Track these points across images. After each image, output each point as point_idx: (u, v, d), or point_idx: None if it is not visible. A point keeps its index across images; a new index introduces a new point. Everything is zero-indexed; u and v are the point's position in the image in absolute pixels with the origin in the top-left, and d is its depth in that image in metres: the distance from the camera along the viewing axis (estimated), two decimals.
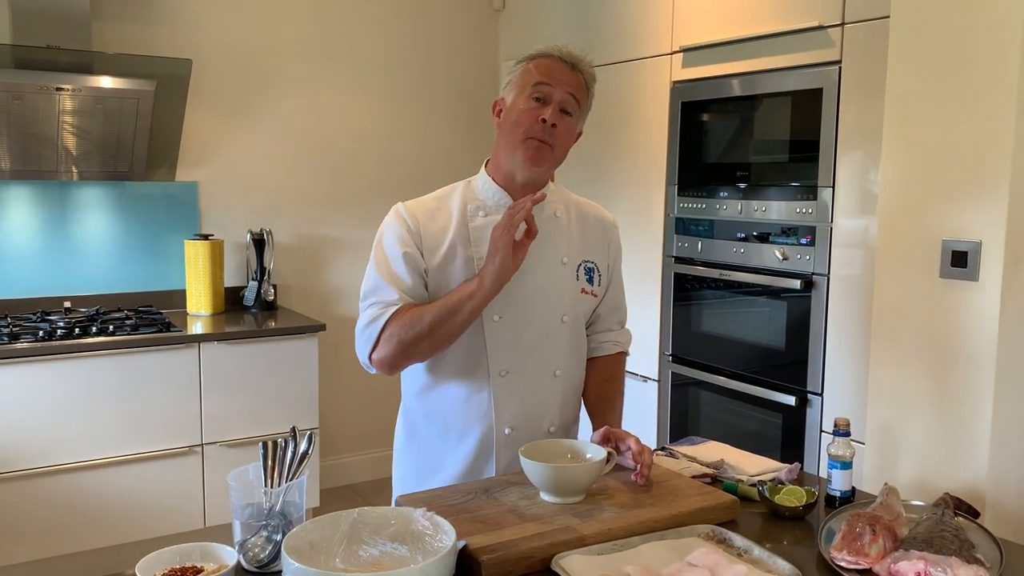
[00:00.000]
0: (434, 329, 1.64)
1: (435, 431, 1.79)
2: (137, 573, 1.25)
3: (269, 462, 1.39)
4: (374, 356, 1.69)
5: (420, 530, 1.29)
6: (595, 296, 1.83)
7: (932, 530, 1.39)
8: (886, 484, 1.62)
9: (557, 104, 1.67)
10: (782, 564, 1.32)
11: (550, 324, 1.77)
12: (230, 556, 1.33)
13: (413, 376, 1.81)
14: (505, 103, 1.73)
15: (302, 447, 1.39)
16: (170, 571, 1.31)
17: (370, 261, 1.76)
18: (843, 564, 1.33)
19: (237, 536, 1.34)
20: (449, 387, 1.77)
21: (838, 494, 1.62)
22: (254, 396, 3.35)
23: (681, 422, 3.04)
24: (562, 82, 1.68)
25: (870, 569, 1.33)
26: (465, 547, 1.32)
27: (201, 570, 1.31)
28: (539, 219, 1.71)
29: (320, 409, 3.53)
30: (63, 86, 3.11)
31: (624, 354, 1.92)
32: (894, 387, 2.13)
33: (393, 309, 1.67)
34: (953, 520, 1.45)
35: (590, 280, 1.81)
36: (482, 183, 1.77)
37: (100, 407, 3.07)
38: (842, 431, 1.62)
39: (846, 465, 1.62)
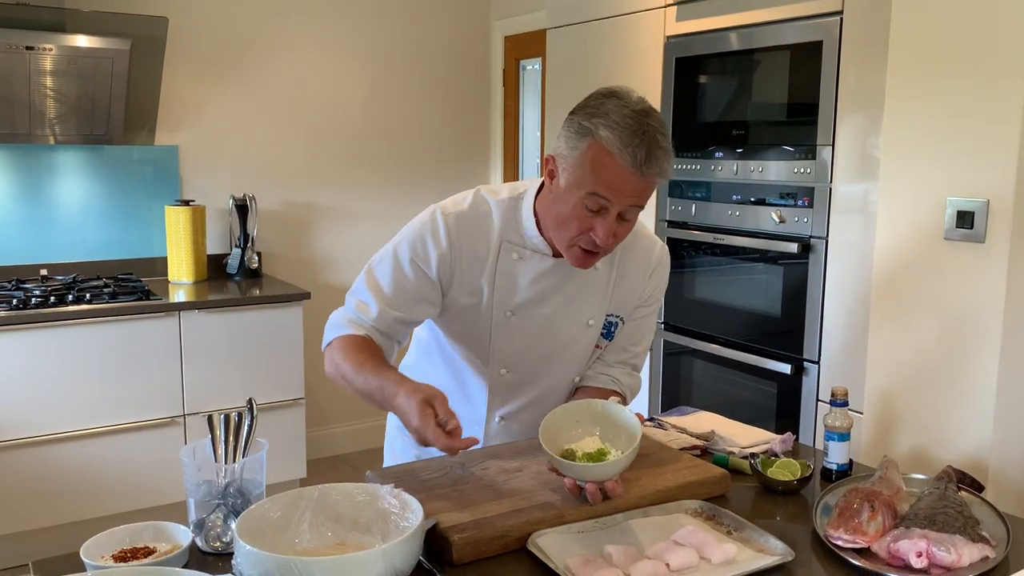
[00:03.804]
0: (356, 392, 1.51)
1: None
2: (82, 556, 1.17)
3: (221, 434, 1.30)
4: (324, 354, 1.59)
5: (387, 508, 1.21)
6: (600, 348, 1.67)
7: (934, 506, 1.31)
8: (885, 457, 1.53)
9: (615, 218, 1.40)
10: (774, 543, 1.24)
11: (558, 384, 1.66)
12: (184, 536, 1.25)
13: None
14: (556, 170, 1.43)
15: (247, 419, 1.30)
16: (119, 552, 1.22)
17: (391, 244, 1.56)
18: (839, 543, 1.25)
19: (192, 516, 1.26)
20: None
21: (835, 467, 1.54)
22: (237, 366, 3.27)
23: (673, 391, 2.95)
24: (625, 194, 1.37)
25: (868, 548, 1.24)
26: (435, 526, 1.23)
27: (153, 551, 1.23)
28: (575, 273, 1.54)
29: (306, 379, 3.45)
30: (34, 45, 2.99)
31: (622, 396, 1.66)
32: (894, 355, 2.03)
33: (355, 333, 1.53)
34: (956, 495, 1.37)
35: (607, 335, 1.65)
36: (527, 219, 1.53)
37: (78, 377, 2.99)
38: (839, 401, 1.54)
39: (843, 437, 1.53)
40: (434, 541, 1.24)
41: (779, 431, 1.75)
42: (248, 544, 1.06)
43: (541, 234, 1.52)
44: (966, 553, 1.20)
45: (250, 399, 1.34)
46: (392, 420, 1.78)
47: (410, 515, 1.18)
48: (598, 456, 1.34)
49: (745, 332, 2.67)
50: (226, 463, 1.29)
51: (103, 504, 3.05)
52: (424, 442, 1.31)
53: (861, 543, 1.24)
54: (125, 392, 3.07)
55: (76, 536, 1.23)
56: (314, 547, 1.18)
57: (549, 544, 1.24)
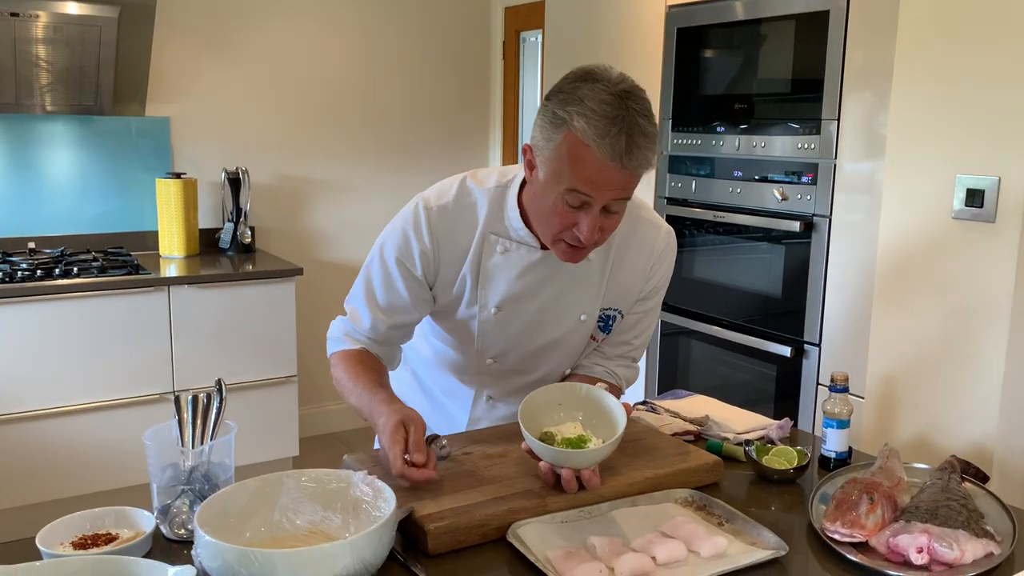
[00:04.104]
0: (352, 407, 1.46)
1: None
2: (38, 543, 1.11)
3: (188, 416, 1.23)
4: (329, 361, 1.54)
5: (359, 496, 1.14)
6: (596, 341, 1.57)
7: (937, 498, 1.24)
8: (886, 445, 1.47)
9: (597, 212, 1.29)
10: (767, 536, 1.18)
11: (548, 376, 1.59)
12: (147, 522, 1.19)
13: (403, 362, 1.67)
14: (534, 162, 1.32)
15: (215, 400, 1.24)
16: (80, 539, 1.17)
17: (374, 250, 1.49)
18: (836, 536, 1.18)
19: (156, 502, 1.20)
20: (434, 388, 1.67)
21: (833, 455, 1.47)
22: (228, 342, 3.21)
23: (670, 373, 2.89)
24: (606, 188, 1.26)
25: (866, 542, 1.18)
26: (411, 514, 1.17)
27: (115, 537, 1.17)
28: (566, 264, 1.43)
29: (299, 356, 3.39)
30: (20, 11, 2.91)
31: (617, 388, 1.58)
32: (898, 338, 1.96)
33: (353, 348, 1.49)
34: (960, 486, 1.30)
35: (603, 328, 1.54)
36: (511, 210, 1.43)
37: (65, 353, 2.93)
38: (839, 386, 1.47)
39: (843, 424, 1.46)
40: (410, 530, 1.18)
41: (778, 415, 1.69)
42: (208, 534, 1.00)
43: (528, 226, 1.43)
44: (969, 549, 1.13)
45: (219, 380, 1.28)
46: None
47: (383, 504, 1.12)
48: (578, 443, 1.28)
49: (745, 313, 2.60)
50: (193, 446, 1.23)
51: (90, 482, 3.01)
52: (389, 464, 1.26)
53: (859, 537, 1.18)
54: (113, 368, 3.02)
55: (60, 514, 1.18)
56: (283, 535, 1.12)
57: (530, 535, 1.18)
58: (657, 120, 2.70)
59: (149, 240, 3.54)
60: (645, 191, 2.91)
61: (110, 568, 1.04)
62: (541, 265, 1.45)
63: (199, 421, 1.25)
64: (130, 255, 3.35)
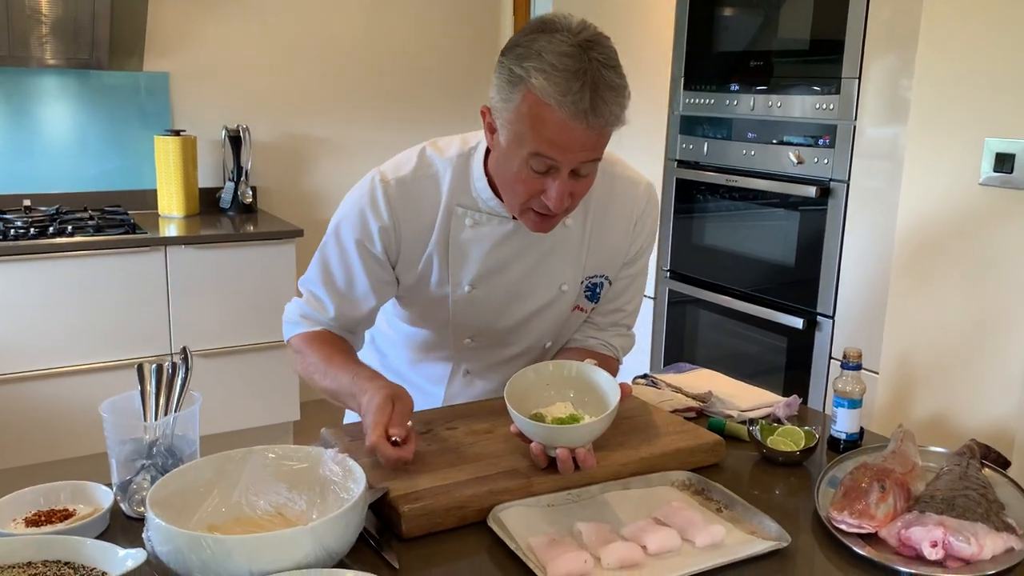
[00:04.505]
0: (324, 391, 1.38)
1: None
2: None
3: (152, 387, 1.16)
4: (288, 349, 1.46)
5: (327, 476, 1.06)
6: (585, 311, 1.48)
7: (954, 487, 1.15)
8: (900, 426, 1.37)
9: (566, 176, 1.18)
10: (768, 524, 1.09)
11: (530, 349, 1.49)
12: (105, 497, 1.12)
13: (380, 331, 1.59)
14: (495, 123, 1.21)
15: (180, 370, 1.16)
16: (34, 515, 1.10)
17: (330, 231, 1.39)
18: (843, 527, 1.10)
19: (115, 477, 1.13)
20: (405, 368, 1.56)
21: (843, 437, 1.38)
22: (227, 304, 3.14)
23: (676, 344, 2.79)
24: (573, 151, 1.15)
25: (875, 534, 1.09)
26: (386, 495, 1.09)
27: (72, 513, 1.10)
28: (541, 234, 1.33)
29: None
30: None
31: (615, 359, 1.51)
32: (917, 311, 1.86)
33: (314, 329, 1.40)
34: (980, 474, 1.21)
35: (591, 296, 1.45)
36: (478, 179, 1.33)
37: (59, 313, 2.87)
38: (852, 363, 1.37)
39: (854, 404, 1.37)
40: (384, 512, 1.10)
41: (786, 391, 1.61)
42: (159, 516, 0.93)
43: (496, 194, 1.32)
44: (988, 544, 1.04)
45: (184, 348, 1.20)
46: None
47: (352, 485, 1.04)
48: (569, 423, 1.19)
49: (756, 282, 2.49)
50: (156, 418, 1.15)
51: (86, 444, 2.96)
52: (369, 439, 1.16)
53: (868, 528, 1.09)
54: (109, 329, 2.96)
55: (54, 476, 1.11)
56: (244, 517, 1.05)
57: (513, 519, 1.10)
58: (668, 78, 2.59)
59: (148, 199, 3.46)
60: (654, 152, 2.80)
61: (57, 548, 0.97)
62: (515, 236, 1.36)
63: (162, 392, 1.17)
64: (127, 214, 3.28)
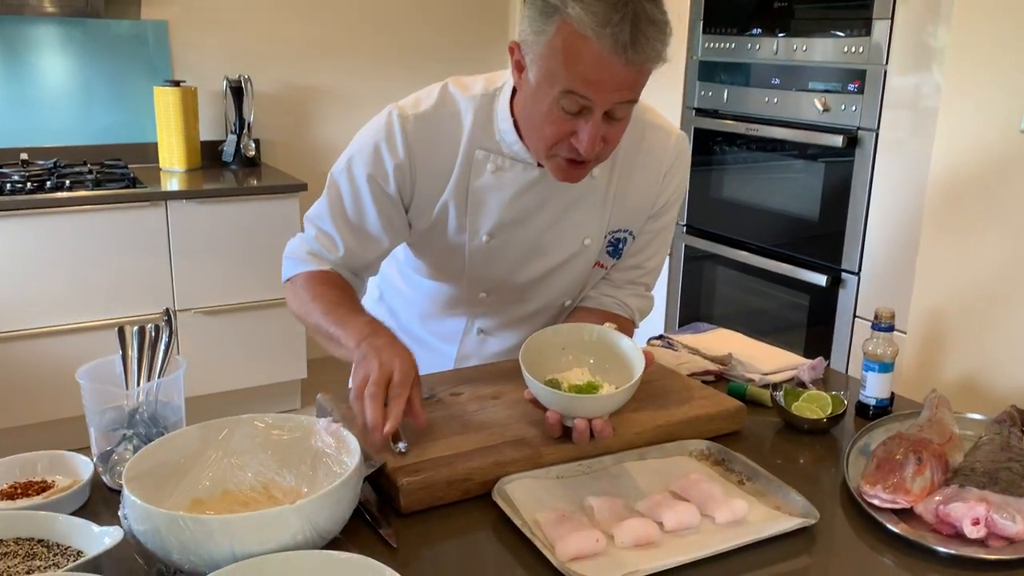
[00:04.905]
0: (312, 330, 1.28)
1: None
2: None
3: (134, 352, 1.08)
4: (285, 288, 1.35)
5: (320, 447, 0.99)
6: (605, 268, 1.39)
7: (996, 459, 1.07)
8: (934, 391, 1.29)
9: (599, 118, 1.09)
10: (794, 499, 1.02)
11: (548, 307, 1.41)
12: (85, 468, 1.05)
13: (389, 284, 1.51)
14: (523, 62, 1.12)
15: (164, 333, 1.08)
16: (10, 487, 1.03)
17: (340, 166, 1.29)
18: (876, 502, 1.02)
19: (95, 447, 1.06)
20: (416, 325, 1.48)
21: (873, 403, 1.29)
22: (230, 260, 3.07)
23: (692, 302, 2.70)
24: (609, 89, 1.06)
25: (911, 509, 1.01)
26: (383, 468, 1.02)
27: (51, 485, 1.04)
28: (566, 183, 1.23)
29: None
30: None
31: (630, 322, 1.41)
32: (948, 267, 1.76)
33: (322, 268, 1.30)
34: (1021, 443, 1.12)
35: (613, 252, 1.36)
36: (503, 120, 1.23)
37: (57, 269, 2.81)
38: (884, 324, 1.28)
39: (885, 367, 1.28)
40: (383, 484, 1.03)
41: (808, 351, 1.52)
42: (135, 494, 0.86)
43: (522, 139, 1.22)
44: None
45: (167, 309, 1.12)
46: None
47: (346, 457, 0.96)
48: (587, 391, 1.11)
49: (777, 237, 2.39)
50: (138, 384, 1.08)
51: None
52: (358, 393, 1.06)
53: (903, 503, 1.01)
54: (109, 286, 2.89)
55: (51, 437, 1.05)
56: (231, 492, 0.98)
57: (519, 493, 1.02)
58: (686, 21, 2.45)
59: (149, 152, 3.37)
60: (671, 100, 2.67)
61: (29, 524, 0.91)
62: (539, 185, 1.26)
63: (145, 356, 1.09)
64: (127, 168, 3.20)
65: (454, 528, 0.99)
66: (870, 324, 1.30)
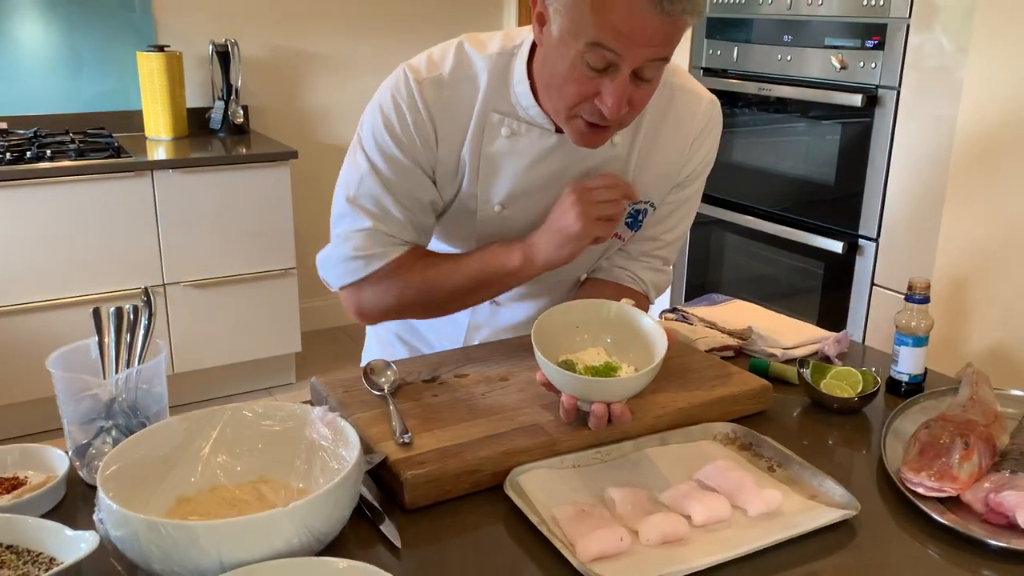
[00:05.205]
0: (449, 300, 1.19)
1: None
2: None
3: (111, 336, 0.99)
4: (353, 300, 1.22)
5: (315, 439, 0.90)
6: (623, 240, 1.29)
7: None
8: (970, 366, 1.21)
9: (626, 77, 1.00)
10: (831, 488, 0.94)
11: (563, 281, 1.32)
12: (60, 463, 0.96)
13: None
14: (546, 14, 1.03)
15: (143, 314, 0.99)
16: None
17: (354, 154, 1.19)
18: (921, 490, 0.94)
19: (69, 441, 0.97)
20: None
21: (906, 379, 1.21)
22: (220, 231, 2.97)
23: (700, 271, 2.61)
24: (641, 43, 0.97)
25: (957, 497, 0.94)
26: (385, 461, 0.94)
27: (22, 482, 0.95)
28: (585, 149, 1.15)
29: (297, 246, 3.15)
30: None
31: (644, 297, 1.33)
32: (974, 232, 1.67)
33: (398, 252, 1.18)
34: None
35: (632, 224, 1.26)
36: (519, 82, 1.13)
37: (40, 243, 2.71)
38: (919, 296, 1.19)
39: (920, 341, 1.20)
40: (385, 478, 0.95)
41: (822, 321, 1.44)
42: (110, 495, 0.77)
43: (539, 103, 1.13)
44: None
45: (146, 288, 1.03)
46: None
47: (343, 451, 0.88)
48: (605, 372, 1.03)
49: (790, 202, 2.30)
50: (116, 371, 0.99)
51: None
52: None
53: (950, 491, 0.93)
54: (94, 260, 2.79)
55: (36, 416, 0.96)
56: (221, 486, 0.90)
57: (534, 485, 0.94)
58: None
59: (135, 121, 3.25)
60: (677, 59, 2.56)
61: None
62: (557, 153, 1.16)
63: (123, 340, 1.00)
64: (111, 137, 3.08)
65: (463, 524, 0.91)
66: (904, 296, 1.21)
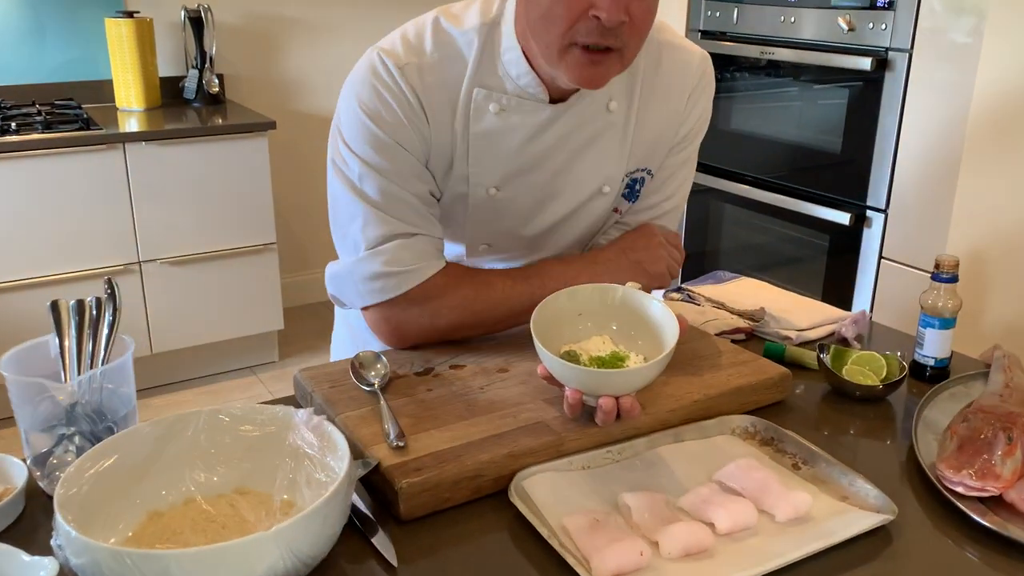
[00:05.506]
0: (502, 320, 1.11)
1: None
2: None
3: (72, 332, 0.90)
4: (386, 321, 1.09)
5: (299, 446, 0.82)
6: (620, 213, 1.21)
7: None
8: (998, 347, 1.14)
9: None
10: (863, 488, 0.86)
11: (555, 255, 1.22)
12: (18, 473, 0.87)
13: None
14: None
15: (107, 308, 0.90)
16: None
17: (340, 166, 1.06)
18: (961, 490, 0.86)
19: (27, 450, 0.88)
20: None
21: (931, 363, 1.14)
22: (197, 206, 2.86)
23: (698, 244, 2.52)
24: None
25: (999, 496, 0.86)
26: (377, 467, 0.85)
27: None
28: (583, 115, 1.08)
29: (278, 221, 3.04)
30: None
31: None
32: (991, 203, 1.59)
33: (436, 268, 1.07)
34: None
35: (628, 195, 1.19)
36: (507, 50, 1.04)
37: (7, 221, 2.59)
38: (947, 275, 1.12)
39: (947, 323, 1.12)
40: (378, 484, 0.86)
41: (827, 296, 1.39)
42: (69, 515, 0.69)
43: (532, 68, 1.03)
44: None
45: (108, 279, 0.93)
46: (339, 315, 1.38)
47: (331, 460, 0.79)
48: (612, 363, 0.94)
49: (793, 172, 2.21)
50: (78, 372, 0.90)
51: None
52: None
53: (992, 491, 0.86)
54: (67, 236, 2.68)
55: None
56: (196, 499, 0.81)
57: (541, 490, 0.86)
58: None
59: (103, 91, 3.12)
60: (674, 21, 2.46)
61: None
62: (552, 127, 1.08)
63: (84, 336, 0.91)
64: (80, 108, 2.95)
65: (464, 535, 0.83)
66: (930, 274, 1.13)
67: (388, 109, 1.03)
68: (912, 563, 0.80)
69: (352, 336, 1.30)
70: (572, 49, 0.96)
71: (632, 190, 1.18)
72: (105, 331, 0.92)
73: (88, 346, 0.91)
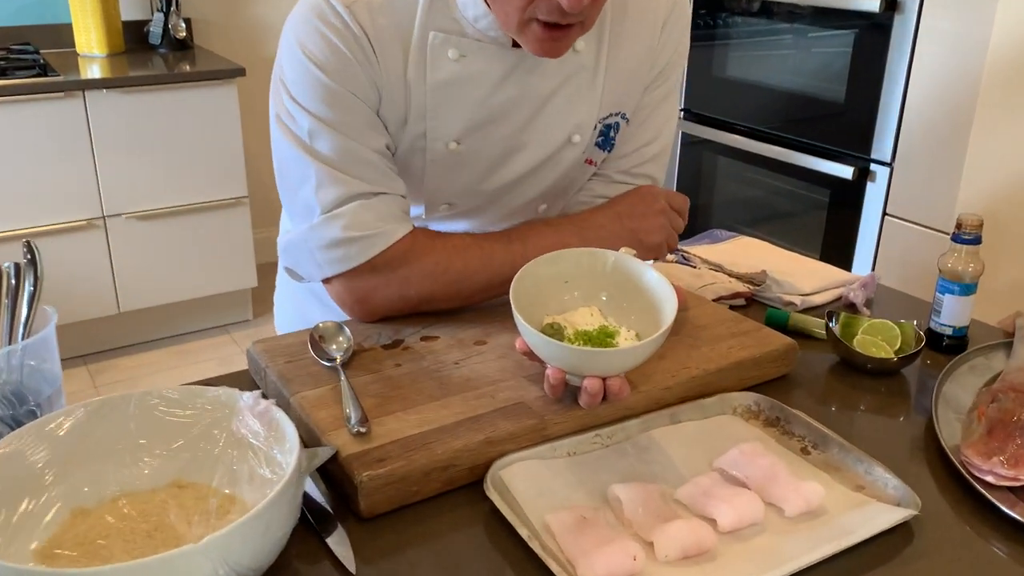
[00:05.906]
0: (480, 291, 0.99)
1: None
2: None
3: None
4: (350, 292, 0.98)
5: (243, 435, 0.71)
6: (595, 164, 1.10)
7: None
8: (1021, 315, 1.04)
9: None
10: (881, 476, 0.77)
11: (517, 212, 1.11)
12: None
13: None
14: None
15: (27, 275, 0.79)
16: None
17: (286, 121, 0.96)
18: (989, 479, 0.77)
19: None
20: None
21: (949, 332, 1.04)
22: (164, 157, 2.72)
23: (690, 199, 2.42)
24: None
25: None
26: (336, 456, 0.75)
27: None
28: (549, 66, 0.97)
29: (248, 173, 2.90)
30: None
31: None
32: (1006, 157, 1.49)
33: (403, 231, 0.96)
34: None
35: (603, 143, 1.08)
36: None
37: None
38: (969, 236, 1.02)
39: (967, 289, 1.03)
40: (336, 476, 0.76)
41: (826, 254, 1.30)
42: None
43: (490, 8, 0.92)
44: None
45: (28, 242, 0.82)
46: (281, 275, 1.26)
47: (278, 454, 0.69)
48: (600, 339, 0.84)
49: (792, 123, 2.10)
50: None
51: None
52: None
53: None
54: (25, 190, 2.55)
55: None
56: (128, 491, 0.71)
57: (520, 480, 0.76)
58: None
59: (63, 35, 2.96)
60: None
61: None
62: (517, 72, 0.96)
63: (3, 308, 0.80)
64: (38, 53, 2.81)
65: (434, 532, 0.73)
66: (950, 236, 1.03)
67: (337, 54, 0.91)
68: (935, 565, 0.71)
69: (294, 305, 1.19)
70: (532, 24, 0.87)
71: (607, 138, 1.07)
72: (25, 301, 0.80)
73: (6, 318, 0.80)
